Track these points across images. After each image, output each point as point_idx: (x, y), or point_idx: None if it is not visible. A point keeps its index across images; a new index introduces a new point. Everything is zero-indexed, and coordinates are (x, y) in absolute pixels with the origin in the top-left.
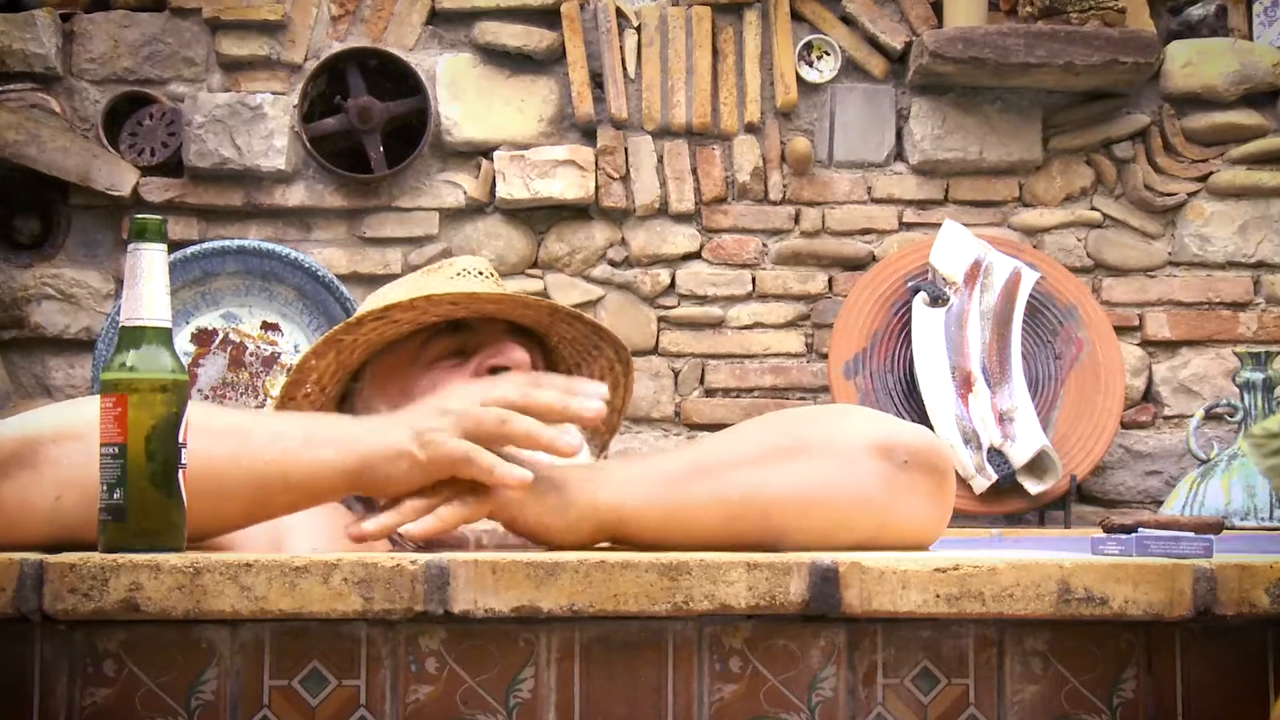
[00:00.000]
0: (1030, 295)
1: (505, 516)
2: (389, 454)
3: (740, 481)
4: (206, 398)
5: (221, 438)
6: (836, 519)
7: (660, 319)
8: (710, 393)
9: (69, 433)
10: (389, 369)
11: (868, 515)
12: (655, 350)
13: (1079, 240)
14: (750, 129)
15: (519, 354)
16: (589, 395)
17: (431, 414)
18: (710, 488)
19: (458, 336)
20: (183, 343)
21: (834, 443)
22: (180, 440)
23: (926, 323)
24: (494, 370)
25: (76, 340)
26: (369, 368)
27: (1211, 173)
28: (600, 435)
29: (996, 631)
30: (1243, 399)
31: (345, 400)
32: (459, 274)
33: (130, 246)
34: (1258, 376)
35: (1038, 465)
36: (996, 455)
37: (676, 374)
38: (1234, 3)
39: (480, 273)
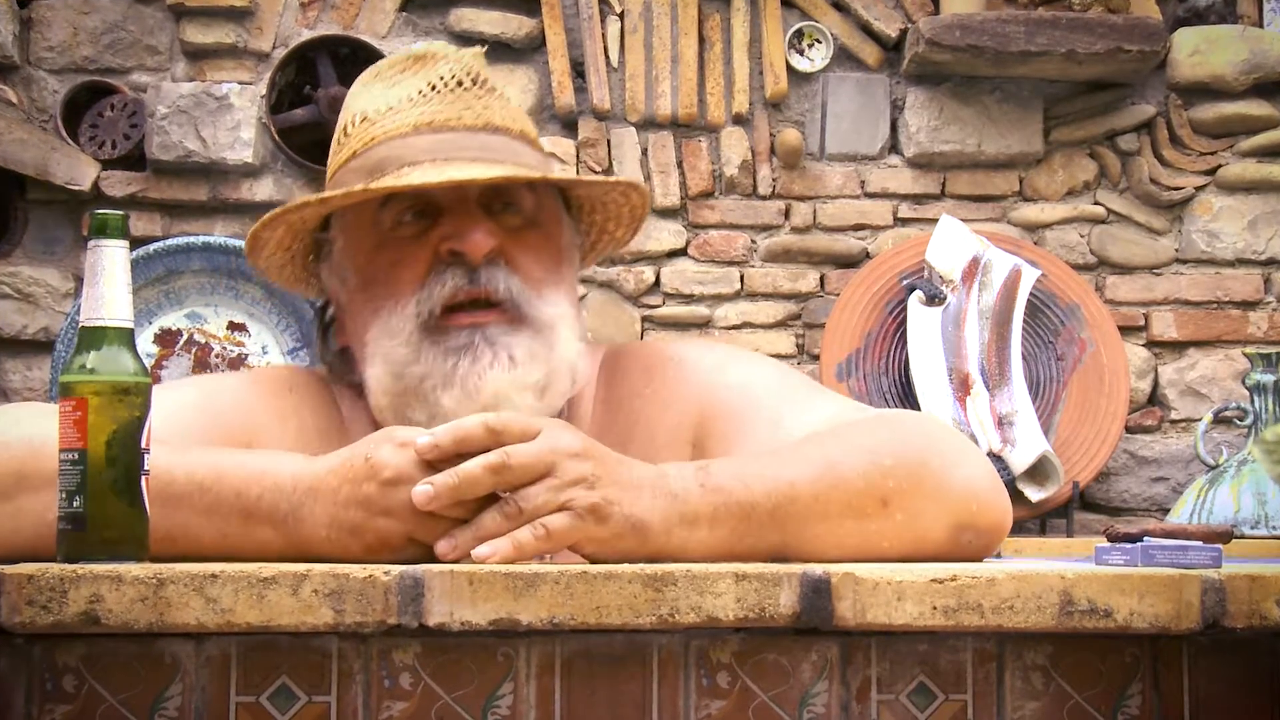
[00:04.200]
0: (1031, 294)
1: (584, 554)
2: (329, 545)
3: (808, 547)
4: None
5: (153, 511)
6: None
7: (644, 319)
8: None
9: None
10: (354, 224)
11: None
12: None
13: (1081, 236)
14: (738, 120)
15: (477, 237)
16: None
17: (363, 503)
18: (780, 542)
19: (417, 196)
20: (145, 344)
21: (916, 499)
22: (143, 446)
23: (922, 322)
24: (453, 254)
25: (34, 341)
26: (335, 219)
27: (1220, 166)
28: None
29: (996, 645)
30: (1253, 402)
31: (319, 249)
32: (432, 87)
33: (90, 243)
34: (1268, 379)
35: (1039, 471)
36: (996, 461)
37: None
38: None
39: (460, 83)
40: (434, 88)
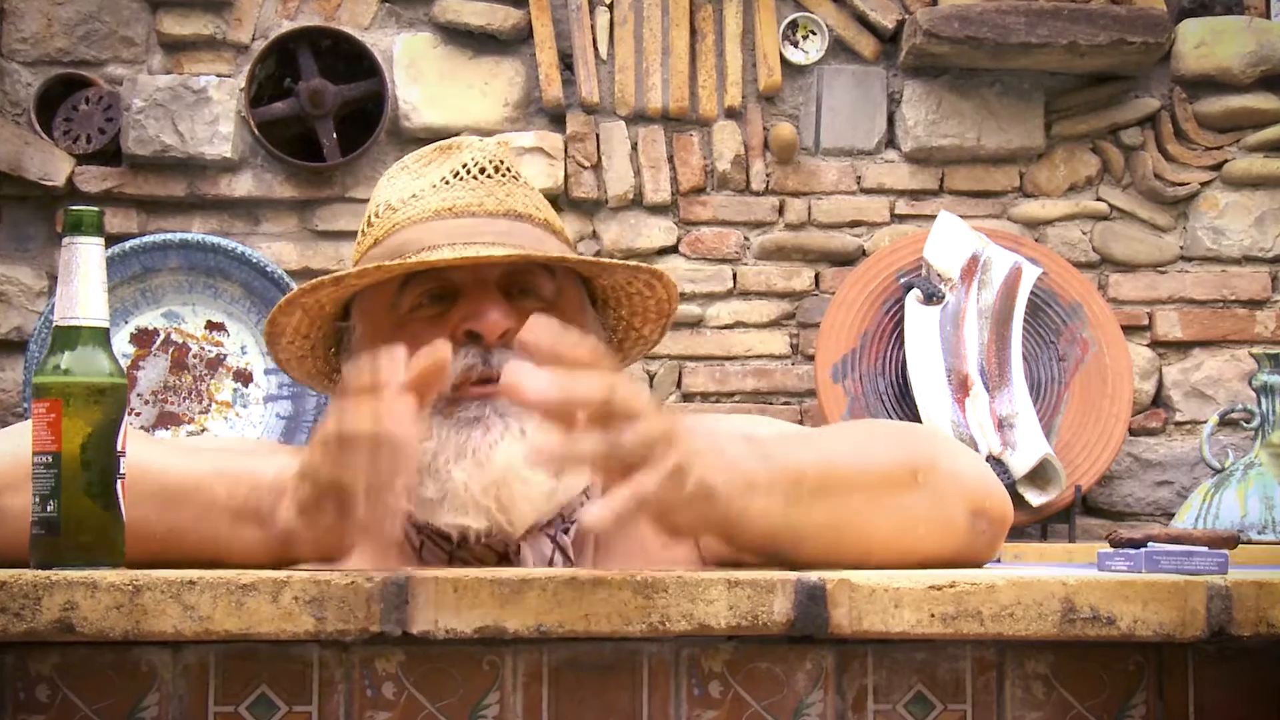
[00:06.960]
0: (1031, 293)
1: (655, 517)
2: (302, 543)
3: (856, 506)
4: (146, 402)
5: (150, 507)
6: (907, 562)
7: None
8: (688, 397)
9: None
10: (373, 308)
11: (925, 563)
12: None
13: (1084, 233)
14: (731, 114)
15: (493, 317)
16: None
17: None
18: (828, 511)
19: (437, 279)
20: (121, 343)
21: (938, 477)
22: (119, 448)
23: (920, 322)
24: (469, 334)
25: (7, 341)
26: (354, 304)
27: (1226, 161)
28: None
29: (996, 653)
30: (1259, 403)
31: (339, 339)
32: (455, 175)
33: (65, 240)
34: (1276, 379)
35: (1040, 475)
36: (995, 464)
37: (652, 377)
38: None
39: (484, 170)
40: (457, 175)
